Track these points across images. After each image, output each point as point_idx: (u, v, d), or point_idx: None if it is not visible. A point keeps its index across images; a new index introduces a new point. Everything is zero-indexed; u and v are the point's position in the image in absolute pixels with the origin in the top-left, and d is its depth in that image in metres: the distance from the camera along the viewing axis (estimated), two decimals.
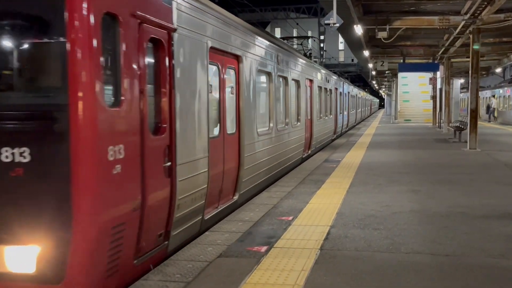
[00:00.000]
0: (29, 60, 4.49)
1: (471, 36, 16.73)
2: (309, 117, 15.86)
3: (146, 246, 5.13)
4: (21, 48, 4.45)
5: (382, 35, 18.47)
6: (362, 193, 8.80)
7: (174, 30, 5.63)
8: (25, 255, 4.23)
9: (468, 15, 15.90)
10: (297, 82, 13.80)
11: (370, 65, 33.52)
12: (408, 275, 4.74)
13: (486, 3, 14.32)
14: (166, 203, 5.49)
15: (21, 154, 4.17)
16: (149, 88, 5.11)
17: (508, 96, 36.45)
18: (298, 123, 13.91)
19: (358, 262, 5.09)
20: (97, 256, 4.32)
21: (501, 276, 4.73)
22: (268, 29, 63.20)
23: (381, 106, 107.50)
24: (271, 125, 10.73)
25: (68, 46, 4.08)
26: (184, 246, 5.84)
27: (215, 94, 7.39)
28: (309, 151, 16.02)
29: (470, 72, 16.75)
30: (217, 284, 4.54)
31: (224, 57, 7.70)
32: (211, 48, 6.91)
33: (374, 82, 66.70)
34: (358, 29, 17.96)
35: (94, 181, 4.20)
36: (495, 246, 5.64)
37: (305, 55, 20.29)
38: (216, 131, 7.41)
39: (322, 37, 56.66)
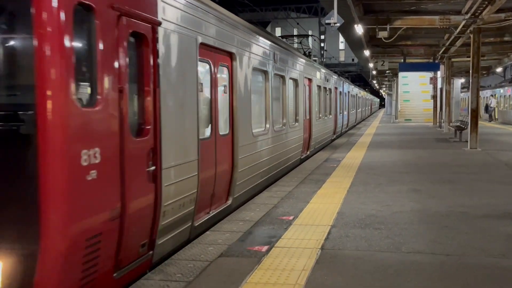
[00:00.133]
0: None
1: (471, 35, 16.74)
2: (307, 117, 15.65)
3: (128, 257, 4.75)
4: None
5: (382, 34, 18.48)
6: (362, 193, 8.80)
7: (159, 24, 5.25)
8: None
9: (469, 14, 15.90)
10: (295, 81, 13.50)
11: (371, 65, 33.52)
12: (408, 274, 4.74)
13: (486, 2, 14.31)
14: (150, 211, 5.11)
15: None
16: (130, 86, 4.74)
17: (509, 95, 36.45)
18: (296, 124, 13.58)
19: (359, 262, 5.10)
20: (69, 271, 3.92)
21: (501, 276, 4.74)
22: (268, 28, 63.23)
23: (382, 105, 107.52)
24: (268, 125, 10.43)
25: (35, 40, 3.71)
26: (173, 255, 5.49)
27: (206, 93, 7.09)
28: (308, 152, 15.83)
29: (470, 71, 16.74)
30: (218, 284, 4.54)
31: (216, 54, 7.35)
32: (202, 44, 6.57)
33: (374, 81, 66.69)
34: (359, 29, 17.94)
35: (65, 188, 3.80)
36: (495, 246, 5.64)
37: (304, 54, 20.25)
38: (207, 132, 7.09)
39: (322, 37, 56.64)
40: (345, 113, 28.95)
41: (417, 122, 36.78)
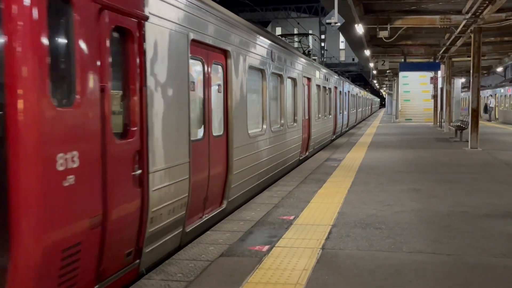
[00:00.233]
0: None
1: (472, 35, 16.74)
2: (306, 117, 15.49)
3: (111, 268, 4.46)
4: None
5: (383, 34, 18.48)
6: (363, 193, 8.80)
7: (146, 18, 4.93)
8: None
9: (469, 14, 15.90)
10: (293, 80, 13.28)
11: (371, 65, 33.52)
12: (409, 274, 4.74)
13: (487, 2, 14.32)
14: (136, 217, 4.81)
15: None
16: (114, 85, 4.44)
17: (510, 95, 36.46)
18: (295, 124, 13.35)
19: (360, 261, 5.09)
20: (44, 285, 3.59)
21: (502, 275, 4.73)
22: (269, 28, 63.22)
23: (382, 105, 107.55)
24: (264, 126, 10.19)
25: (4, 36, 3.38)
26: (162, 262, 5.25)
27: (199, 93, 6.81)
28: (307, 153, 15.71)
29: (471, 71, 16.74)
30: (218, 283, 4.54)
31: (210, 51, 7.06)
32: (193, 41, 6.28)
33: (375, 81, 66.72)
34: (359, 28, 17.94)
35: (38, 195, 3.47)
36: (496, 246, 5.64)
37: (304, 53, 20.20)
38: (199, 133, 6.82)
39: (323, 36, 56.70)
40: (345, 113, 28.93)
41: (417, 122, 36.79)
